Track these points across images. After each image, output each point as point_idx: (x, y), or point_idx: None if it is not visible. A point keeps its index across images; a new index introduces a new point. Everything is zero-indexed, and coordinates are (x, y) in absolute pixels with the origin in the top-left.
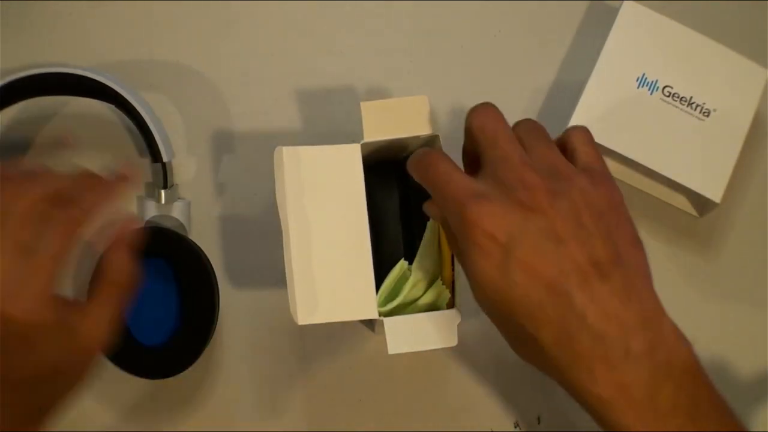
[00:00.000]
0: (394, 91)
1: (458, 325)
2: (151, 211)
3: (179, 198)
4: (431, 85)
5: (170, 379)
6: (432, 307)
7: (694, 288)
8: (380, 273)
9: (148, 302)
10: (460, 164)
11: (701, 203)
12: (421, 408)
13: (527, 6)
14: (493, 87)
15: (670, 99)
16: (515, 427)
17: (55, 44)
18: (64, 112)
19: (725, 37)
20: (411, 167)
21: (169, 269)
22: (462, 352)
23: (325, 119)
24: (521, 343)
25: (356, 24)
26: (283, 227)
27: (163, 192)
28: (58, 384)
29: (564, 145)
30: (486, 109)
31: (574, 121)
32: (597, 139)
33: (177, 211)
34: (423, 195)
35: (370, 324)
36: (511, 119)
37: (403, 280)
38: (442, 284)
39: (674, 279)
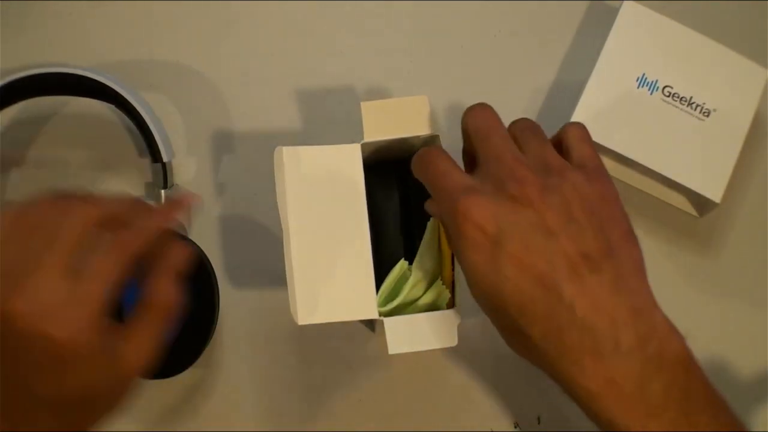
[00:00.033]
0: (394, 91)
1: (458, 325)
2: None
3: None
4: (431, 85)
5: (170, 379)
6: (432, 307)
7: (694, 288)
8: (380, 273)
9: None
10: (461, 164)
11: (701, 203)
12: (421, 408)
13: (527, 6)
14: (493, 87)
15: (670, 99)
16: (515, 427)
17: (55, 44)
18: (64, 112)
19: (725, 37)
20: (413, 165)
21: None
22: (462, 352)
23: (325, 119)
24: (514, 336)
25: (356, 24)
26: (283, 227)
27: (163, 192)
28: (95, 407)
29: (560, 143)
30: (481, 109)
31: (574, 120)
32: (597, 139)
33: None
34: (423, 195)
35: (370, 324)
36: (512, 119)
37: (403, 280)
38: (442, 284)
39: (674, 279)
